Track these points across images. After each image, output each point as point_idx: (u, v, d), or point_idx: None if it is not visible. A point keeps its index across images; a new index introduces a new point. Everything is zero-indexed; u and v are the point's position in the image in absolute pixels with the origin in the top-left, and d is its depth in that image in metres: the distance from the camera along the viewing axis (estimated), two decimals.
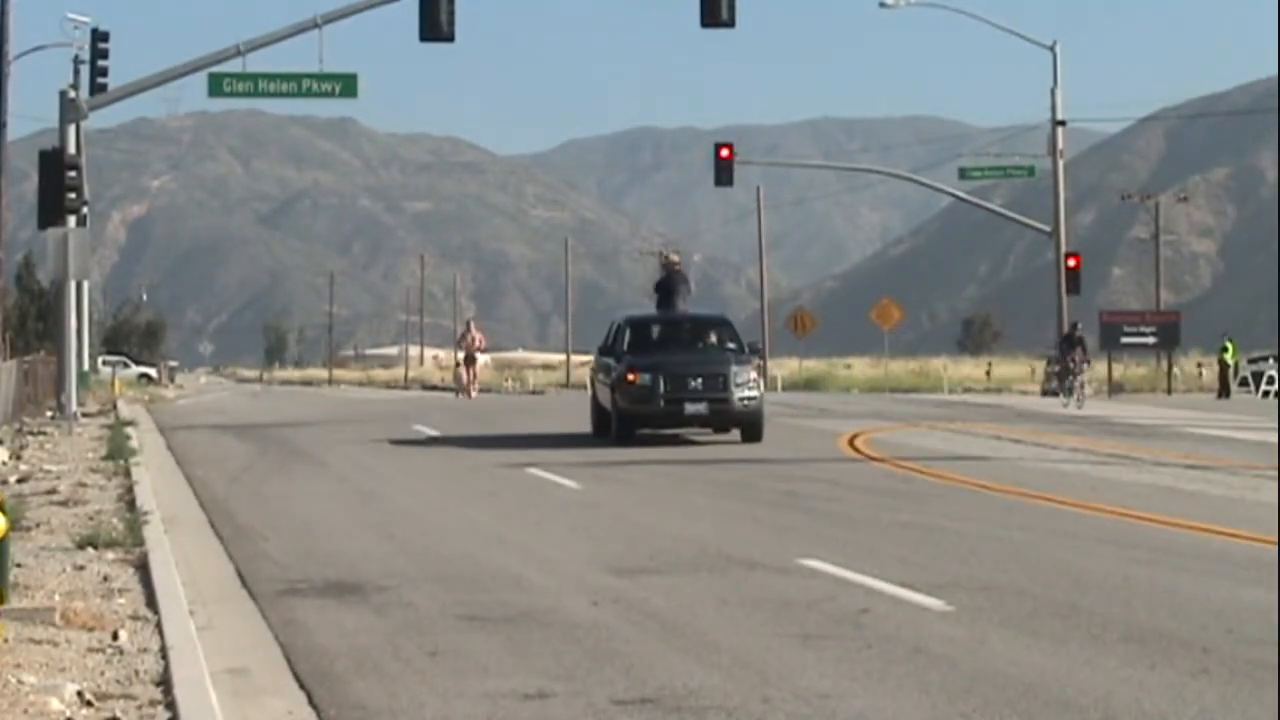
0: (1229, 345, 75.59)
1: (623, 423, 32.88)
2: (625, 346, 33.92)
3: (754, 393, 32.78)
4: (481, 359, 64.89)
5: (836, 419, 45.99)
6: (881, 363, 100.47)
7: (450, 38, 44.61)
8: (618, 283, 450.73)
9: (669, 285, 36.47)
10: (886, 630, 12.89)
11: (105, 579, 15.38)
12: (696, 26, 45.04)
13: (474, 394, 63.43)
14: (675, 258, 37.05)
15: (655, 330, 35.23)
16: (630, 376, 32.44)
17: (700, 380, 32.44)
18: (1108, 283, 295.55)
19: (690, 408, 32.41)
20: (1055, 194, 69.46)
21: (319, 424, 46.36)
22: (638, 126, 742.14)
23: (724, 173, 63.13)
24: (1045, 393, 73.04)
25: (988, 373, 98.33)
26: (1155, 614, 13.57)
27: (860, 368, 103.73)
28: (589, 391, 35.55)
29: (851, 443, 34.46)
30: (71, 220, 43.92)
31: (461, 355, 64.14)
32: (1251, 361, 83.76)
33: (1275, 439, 33.35)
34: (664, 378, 32.33)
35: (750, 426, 33.12)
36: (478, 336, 64.13)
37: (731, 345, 34.26)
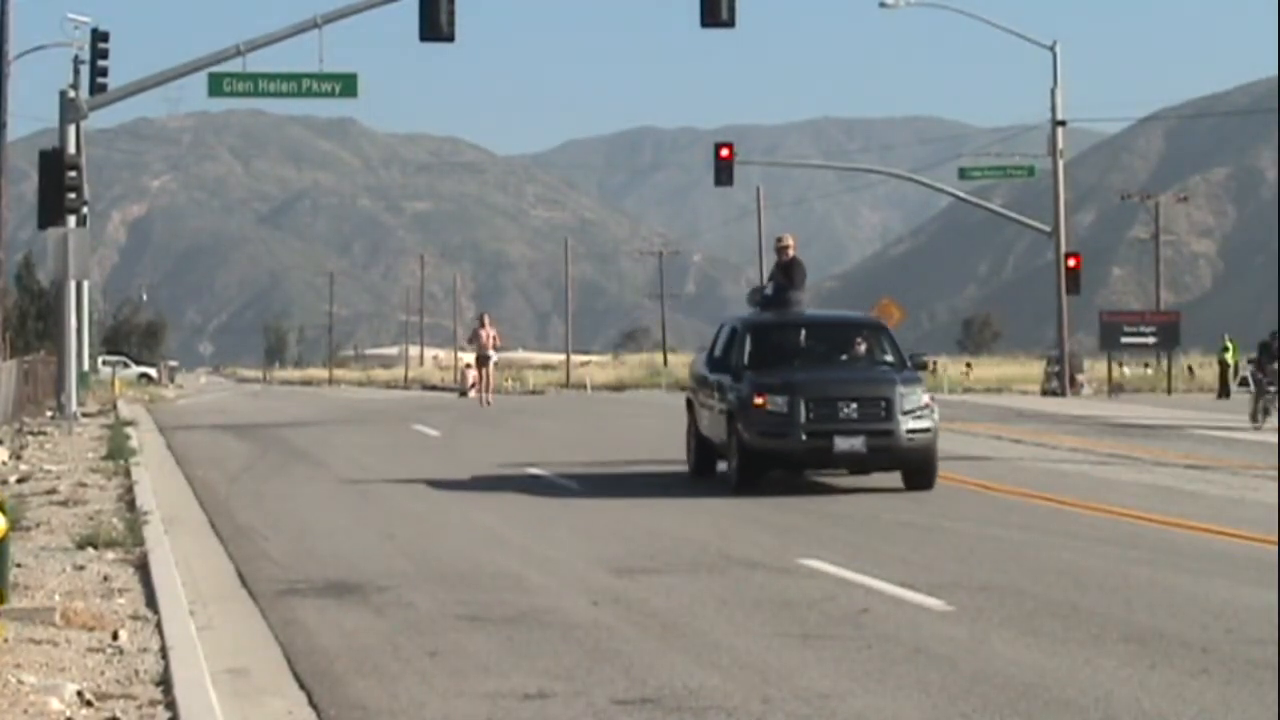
0: (1229, 345, 75.62)
1: (749, 462, 23.66)
2: (746, 359, 24.66)
3: (926, 423, 23.55)
4: (494, 358, 56.42)
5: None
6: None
7: (450, 38, 44.59)
8: (618, 283, 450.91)
9: (788, 277, 26.72)
10: (886, 630, 12.89)
11: (105, 579, 15.38)
12: (696, 26, 45.05)
13: (489, 399, 54.75)
14: (790, 241, 27.17)
15: (786, 337, 25.91)
16: (758, 400, 23.45)
17: (855, 405, 23.39)
18: (1108, 283, 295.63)
19: (842, 443, 23.21)
20: (1055, 194, 69.47)
21: (319, 424, 46.35)
22: (638, 126, 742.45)
23: (724, 173, 63.15)
24: (1045, 392, 73.09)
25: (966, 371, 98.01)
26: (1155, 614, 13.57)
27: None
28: (686, 418, 26.73)
29: None
30: (71, 220, 43.90)
31: (473, 356, 56.38)
32: (1251, 361, 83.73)
33: (1275, 439, 33.34)
34: (805, 402, 23.31)
35: (920, 468, 23.79)
36: (492, 334, 54.63)
37: (888, 357, 24.98)
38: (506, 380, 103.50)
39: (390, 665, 11.89)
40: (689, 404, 26.67)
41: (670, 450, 33.06)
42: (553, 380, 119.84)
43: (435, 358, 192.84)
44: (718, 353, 25.85)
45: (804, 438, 23.28)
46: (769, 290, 26.81)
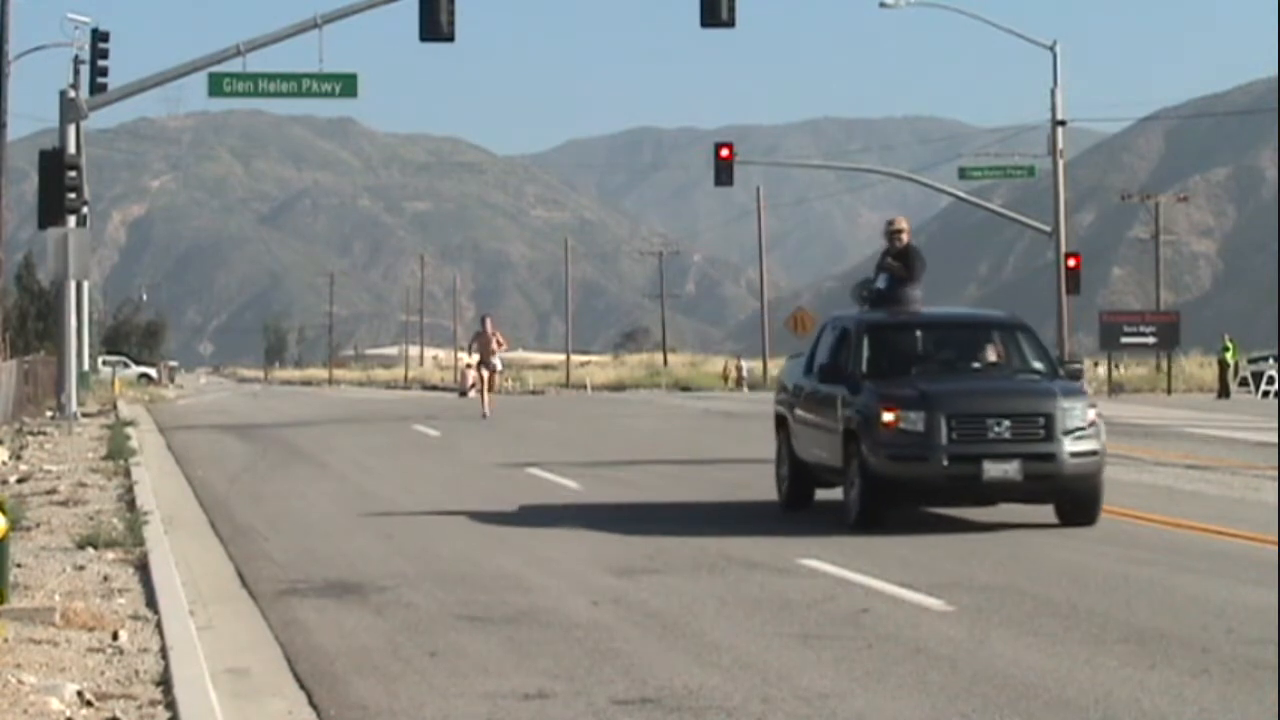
0: (1229, 345, 75.62)
1: (875, 493, 19.37)
2: (864, 365, 20.42)
3: (1093, 445, 19.33)
4: (499, 366, 49.69)
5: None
6: None
7: (450, 38, 44.60)
8: (618, 283, 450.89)
9: (907, 267, 22.39)
10: (886, 630, 12.90)
11: (105, 579, 15.38)
12: (696, 26, 45.06)
13: (487, 410, 46.96)
14: (904, 224, 23.10)
15: (911, 340, 21.62)
16: (887, 416, 19.22)
17: (1007, 423, 19.19)
18: (1108, 283, 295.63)
19: (992, 469, 19.02)
20: (1055, 194, 69.46)
21: (319, 424, 46.35)
22: (638, 126, 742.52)
23: (724, 173, 63.14)
24: None
25: None
26: (1155, 614, 13.57)
27: None
28: (776, 438, 22.44)
29: None
30: (71, 220, 43.93)
31: (475, 359, 49.37)
32: (1251, 361, 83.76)
33: (1275, 439, 33.35)
34: (947, 418, 19.12)
35: (1084, 501, 19.53)
36: (495, 336, 48.21)
37: (1037, 364, 20.81)
38: (507, 380, 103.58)
39: (390, 665, 11.89)
40: (779, 421, 22.39)
41: (669, 450, 33.10)
42: (553, 380, 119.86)
43: (435, 358, 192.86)
44: (824, 358, 21.22)
45: (945, 463, 18.99)
46: (881, 283, 22.19)
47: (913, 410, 19.18)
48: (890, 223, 23.06)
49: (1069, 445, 19.13)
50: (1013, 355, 20.87)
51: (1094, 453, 19.26)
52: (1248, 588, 14.86)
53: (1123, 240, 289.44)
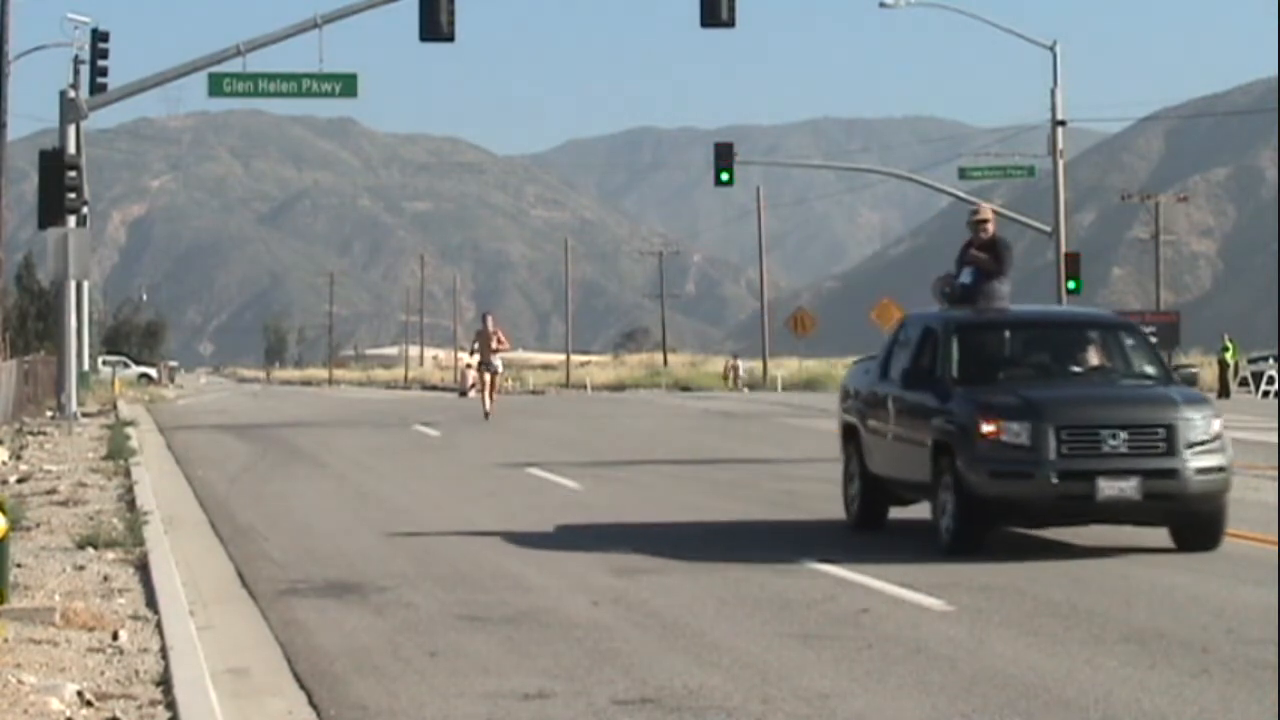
0: (1229, 345, 75.62)
1: (974, 514, 17.14)
2: (955, 369, 18.19)
3: (1219, 460, 17.23)
4: (500, 366, 46.93)
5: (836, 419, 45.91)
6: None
7: (450, 38, 44.60)
8: (618, 283, 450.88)
9: (997, 260, 20.12)
10: (886, 630, 12.90)
11: (105, 579, 15.38)
12: (696, 26, 45.06)
13: (489, 410, 44.95)
14: (990, 214, 21.18)
15: (1006, 341, 19.37)
16: (987, 427, 17.08)
17: (1124, 435, 16.99)
18: (1108, 283, 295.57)
19: (1108, 487, 16.79)
20: (1055, 194, 69.44)
21: (319, 424, 46.35)
22: (638, 126, 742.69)
23: (724, 172, 63.16)
24: None
25: None
26: (1155, 614, 13.57)
27: None
28: (843, 450, 20.35)
29: None
30: (71, 220, 43.93)
31: (476, 359, 46.51)
32: (1251, 361, 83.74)
33: (1275, 439, 33.34)
34: (1056, 430, 16.93)
35: (1206, 523, 17.41)
36: (497, 335, 45.54)
37: (1149, 369, 18.58)
38: (507, 381, 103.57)
39: (390, 665, 11.89)
40: (847, 432, 20.19)
41: (669, 450, 33.11)
42: (553, 380, 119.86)
43: (435, 358, 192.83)
44: (906, 362, 18.99)
45: (1055, 480, 16.78)
46: (965, 278, 20.05)
47: (1016, 421, 16.97)
48: (974, 212, 21.07)
49: (1193, 461, 16.95)
50: (1115, 358, 18.68)
51: (1220, 469, 17.14)
52: (1248, 588, 14.86)
53: (1123, 240, 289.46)
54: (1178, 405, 17.23)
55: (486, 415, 44.22)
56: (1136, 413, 17.25)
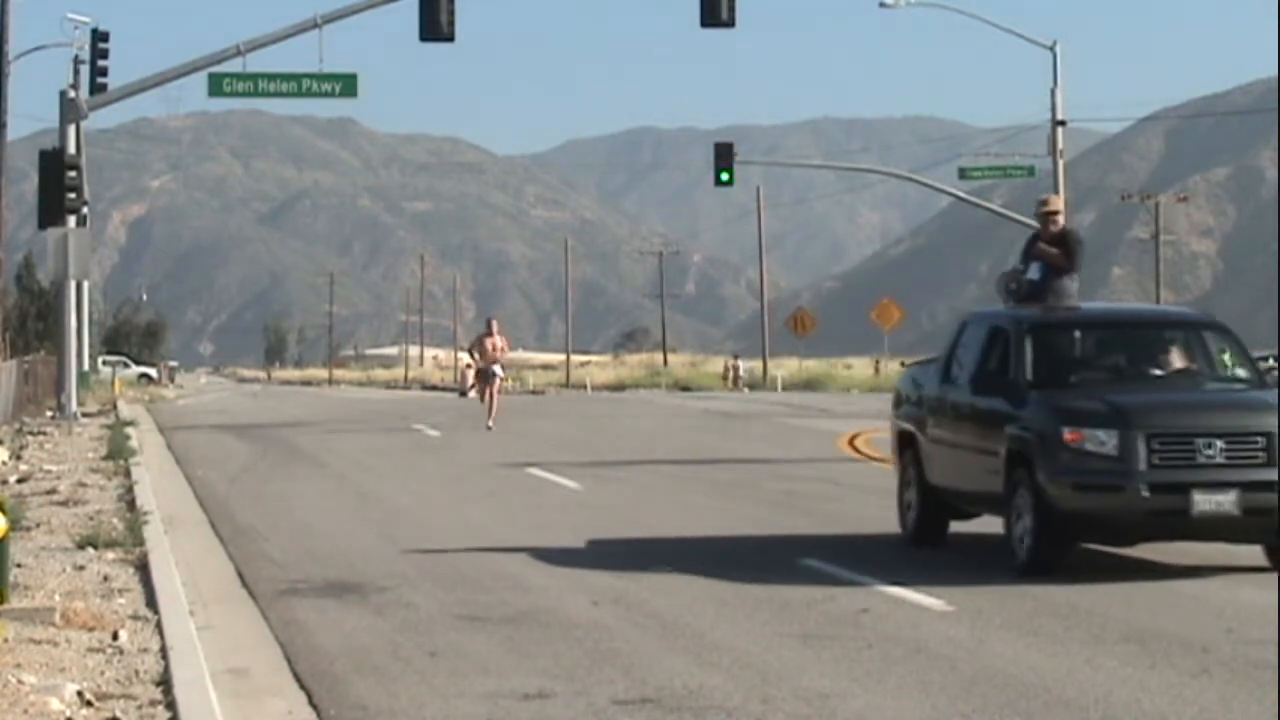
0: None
1: (1056, 530, 15.68)
2: (1029, 373, 16.64)
3: None
4: (501, 374, 42.76)
5: (836, 419, 46.00)
6: (878, 361, 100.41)
7: (450, 38, 44.59)
8: (618, 283, 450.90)
9: (1068, 254, 18.59)
10: (886, 630, 12.90)
11: (105, 579, 15.38)
12: (696, 26, 45.05)
13: (491, 422, 40.58)
14: (1059, 204, 19.51)
15: (1084, 341, 17.82)
16: (1069, 435, 15.62)
17: (1220, 444, 15.48)
18: (1108, 283, 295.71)
19: (1203, 500, 15.34)
20: (1055, 194, 69.45)
21: (319, 424, 46.36)
22: (638, 126, 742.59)
23: (724, 172, 63.15)
24: None
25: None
26: (1155, 614, 13.57)
27: (860, 367, 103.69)
28: (898, 460, 18.91)
29: (852, 443, 34.48)
30: (71, 220, 43.92)
31: (475, 367, 43.42)
32: None
33: None
34: (1146, 438, 15.47)
35: None
36: (500, 343, 41.93)
37: (1240, 370, 17.27)
38: (507, 381, 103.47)
39: (390, 665, 11.89)
40: (903, 440, 18.66)
41: (669, 450, 33.12)
42: (553, 380, 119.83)
43: (435, 358, 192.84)
44: (972, 364, 17.45)
45: (1146, 493, 15.29)
46: (1033, 273, 18.50)
47: (1102, 428, 15.45)
48: (1042, 202, 19.33)
49: None
50: (1200, 359, 17.15)
51: None
52: (1248, 588, 14.86)
53: (1123, 240, 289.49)
54: (1276, 411, 15.59)
55: (489, 427, 39.86)
56: (1234, 419, 15.70)
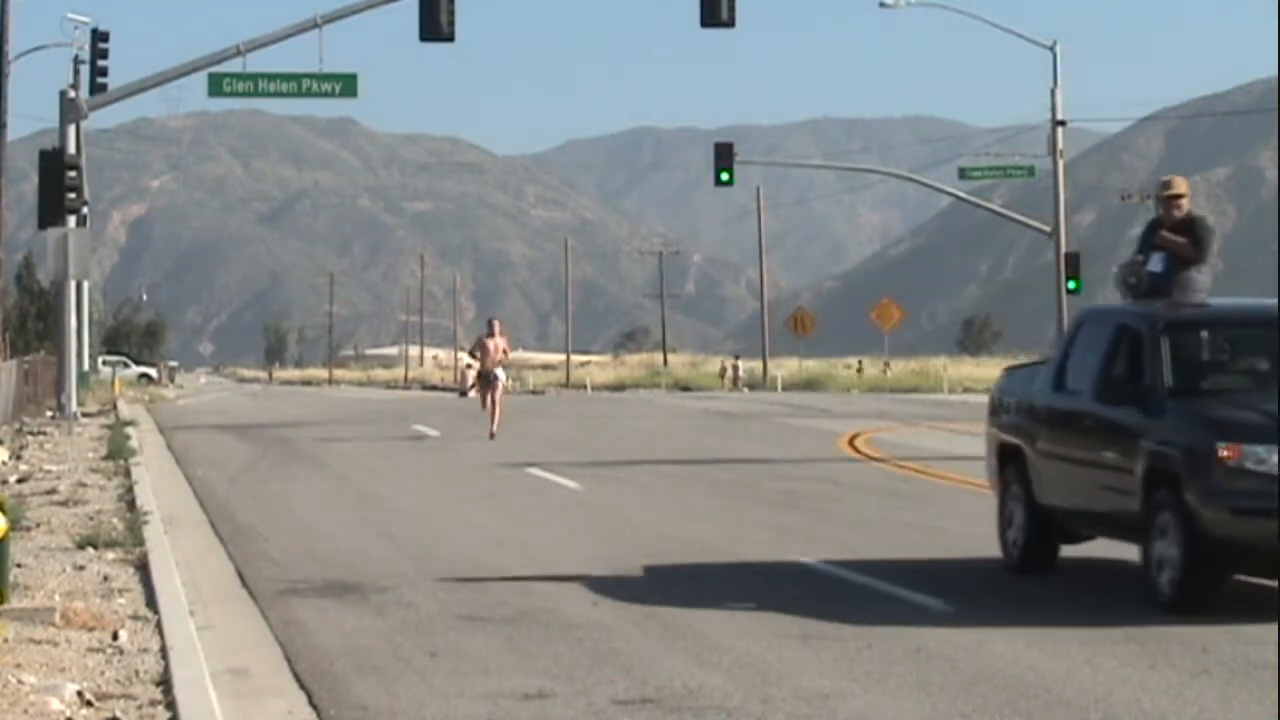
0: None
1: (1208, 560, 13.62)
2: (1168, 378, 14.48)
3: None
4: (503, 378, 39.14)
5: (836, 419, 46.00)
6: (879, 362, 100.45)
7: (450, 38, 44.60)
8: (618, 283, 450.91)
9: (1196, 244, 16.42)
10: (886, 630, 12.89)
11: (105, 579, 15.38)
12: (696, 26, 45.06)
13: (493, 429, 36.95)
14: (1184, 188, 16.82)
15: (1227, 342, 15.39)
16: (1224, 451, 13.47)
17: None
18: (1108, 283, 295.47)
19: None
20: (1055, 194, 69.42)
21: (319, 424, 46.36)
22: (638, 126, 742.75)
23: (724, 172, 63.17)
24: None
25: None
26: (1155, 614, 13.56)
27: (866, 367, 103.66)
28: (997, 478, 16.76)
29: (851, 443, 34.48)
30: (71, 220, 43.92)
31: (476, 368, 39.36)
32: None
33: None
34: None
35: None
36: (501, 345, 38.77)
37: None
38: (506, 381, 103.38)
39: (390, 665, 11.89)
40: (1007, 454, 16.48)
41: (669, 450, 33.12)
42: (553, 380, 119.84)
43: (435, 358, 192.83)
44: (1096, 368, 15.29)
45: None
46: (1156, 265, 16.43)
47: (1263, 443, 13.32)
48: (1165, 184, 16.88)
49: None
50: None
51: None
52: (1248, 587, 14.85)
53: (1123, 240, 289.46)
54: None
55: (491, 435, 36.52)
56: None
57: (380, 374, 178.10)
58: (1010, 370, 18.12)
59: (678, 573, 16.06)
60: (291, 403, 71.93)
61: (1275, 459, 13.21)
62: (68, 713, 10.15)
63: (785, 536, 18.84)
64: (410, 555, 17.61)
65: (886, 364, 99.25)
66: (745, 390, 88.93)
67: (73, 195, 43.81)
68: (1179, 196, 16.59)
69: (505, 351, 39.15)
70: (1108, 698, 10.59)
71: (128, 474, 26.10)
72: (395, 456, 32.61)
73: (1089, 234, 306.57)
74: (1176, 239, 16.33)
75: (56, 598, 14.15)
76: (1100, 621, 13.21)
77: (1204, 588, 13.63)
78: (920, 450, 32.19)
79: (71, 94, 48.41)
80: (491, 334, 38.95)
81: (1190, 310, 15.69)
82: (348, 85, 48.04)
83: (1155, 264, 16.36)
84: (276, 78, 47.76)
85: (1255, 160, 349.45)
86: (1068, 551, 16.06)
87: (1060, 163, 69.85)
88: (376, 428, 43.88)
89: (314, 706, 10.81)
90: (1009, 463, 16.36)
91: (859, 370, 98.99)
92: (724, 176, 63.64)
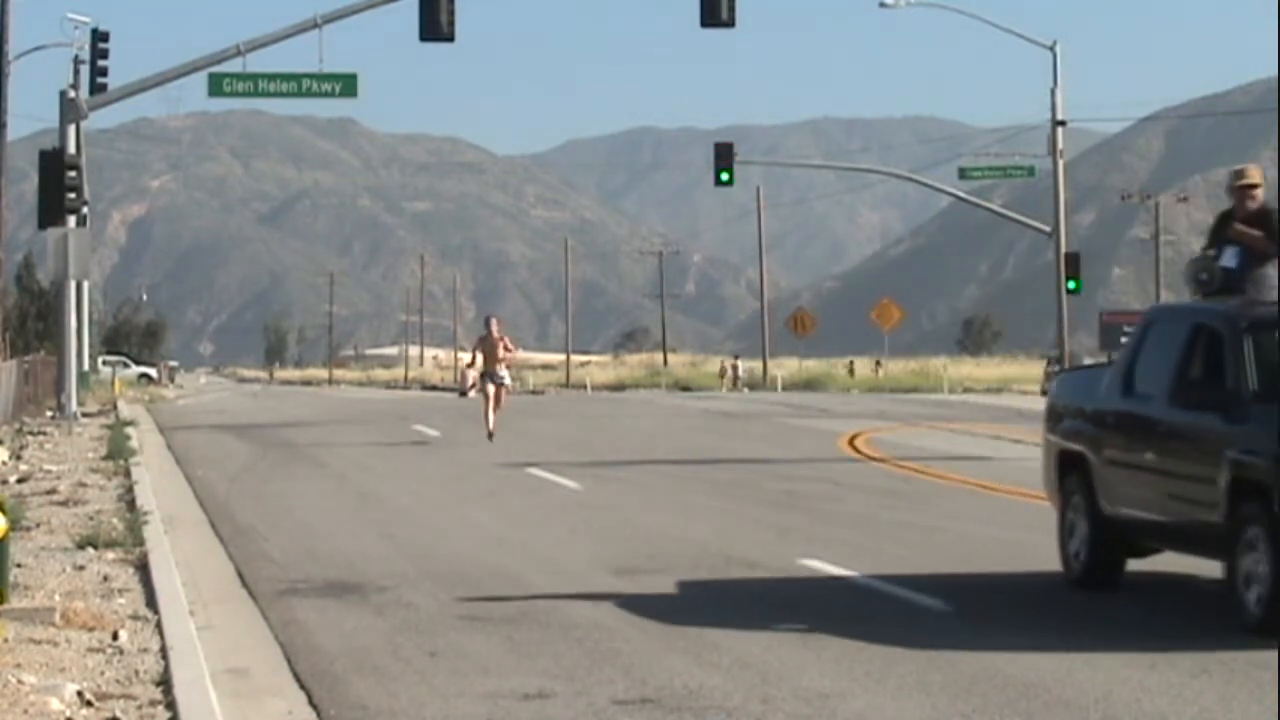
0: None
1: None
2: (1252, 381, 13.43)
3: None
4: (507, 378, 37.40)
5: (836, 419, 46.00)
6: (871, 362, 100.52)
7: (450, 38, 44.61)
8: (618, 283, 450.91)
9: (1271, 234, 15.48)
10: (886, 630, 12.89)
11: (105, 579, 15.38)
12: (696, 26, 45.06)
13: (492, 429, 35.37)
14: (1257, 176, 16.06)
15: None
16: None
17: None
18: (1108, 283, 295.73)
19: None
20: (1055, 194, 69.43)
21: (319, 424, 46.36)
22: (638, 126, 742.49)
23: (724, 172, 63.17)
24: (1046, 393, 73.03)
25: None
26: (1155, 614, 13.57)
27: (858, 367, 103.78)
28: (1057, 487, 15.62)
29: (851, 443, 34.49)
30: (71, 220, 43.92)
31: (478, 370, 36.93)
32: None
33: None
34: None
35: None
36: (503, 342, 36.59)
37: None
38: (509, 382, 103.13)
39: (390, 665, 11.89)
40: (1069, 462, 15.35)
41: (669, 450, 33.12)
42: (553, 380, 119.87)
43: (435, 358, 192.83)
44: (1167, 371, 14.29)
45: None
46: (1229, 260, 15.49)
47: None
48: (1237, 174, 16.00)
49: None
50: None
51: None
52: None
53: (1123, 240, 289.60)
54: None
55: (489, 436, 35.05)
56: None
57: (380, 374, 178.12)
58: (1068, 373, 17.03)
59: (678, 573, 16.06)
60: (291, 403, 71.93)
61: None
62: (68, 713, 10.15)
63: (785, 536, 18.84)
64: (410, 555, 17.61)
65: (878, 363, 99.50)
66: (745, 390, 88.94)
67: (73, 195, 43.82)
68: (1253, 186, 15.74)
69: (509, 349, 37.02)
70: (1108, 697, 10.59)
71: (128, 474, 26.11)
72: (395, 456, 32.61)
73: (1089, 234, 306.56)
74: (1252, 231, 15.40)
75: (56, 598, 14.15)
76: (1100, 621, 13.21)
77: None
78: (920, 450, 32.20)
79: (71, 94, 48.42)
80: (489, 333, 36.88)
81: (1270, 309, 14.32)
82: (348, 85, 48.05)
83: (1229, 259, 15.40)
84: (276, 78, 47.76)
85: (1255, 160, 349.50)
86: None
87: (1060, 163, 69.85)
88: (376, 428, 43.88)
89: (314, 706, 10.81)
90: (1070, 471, 15.28)
91: (850, 371, 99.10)
92: (724, 176, 63.63)
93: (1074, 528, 15.12)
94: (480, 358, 36.67)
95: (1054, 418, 15.88)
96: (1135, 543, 14.78)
